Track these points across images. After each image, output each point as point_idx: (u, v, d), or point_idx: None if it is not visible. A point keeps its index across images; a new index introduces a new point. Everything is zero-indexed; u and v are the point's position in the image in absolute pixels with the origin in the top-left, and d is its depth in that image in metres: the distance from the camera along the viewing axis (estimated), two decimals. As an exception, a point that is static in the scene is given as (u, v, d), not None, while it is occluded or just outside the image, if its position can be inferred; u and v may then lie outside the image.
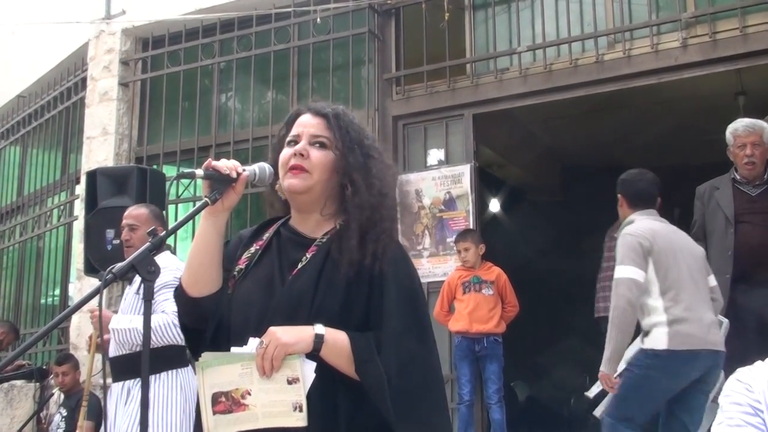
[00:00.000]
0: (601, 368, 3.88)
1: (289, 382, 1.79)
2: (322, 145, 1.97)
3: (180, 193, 6.82)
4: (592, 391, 4.34)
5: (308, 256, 1.92)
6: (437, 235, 6.22)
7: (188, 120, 7.21)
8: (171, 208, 6.69)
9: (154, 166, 6.61)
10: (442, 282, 5.86)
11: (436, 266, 6.18)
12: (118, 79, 7.53)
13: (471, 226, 6.05)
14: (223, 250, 1.95)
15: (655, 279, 3.91)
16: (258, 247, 1.98)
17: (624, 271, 3.91)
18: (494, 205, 9.52)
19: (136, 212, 4.14)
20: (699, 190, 4.87)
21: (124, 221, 4.11)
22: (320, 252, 1.92)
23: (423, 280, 6.06)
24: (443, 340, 6.05)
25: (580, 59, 6.01)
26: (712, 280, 4.10)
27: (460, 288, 5.69)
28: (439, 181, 6.26)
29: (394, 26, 6.71)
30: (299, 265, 1.91)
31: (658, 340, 3.84)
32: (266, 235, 2.01)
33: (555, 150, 8.95)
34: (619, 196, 4.27)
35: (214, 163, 1.86)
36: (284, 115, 2.13)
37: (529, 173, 9.29)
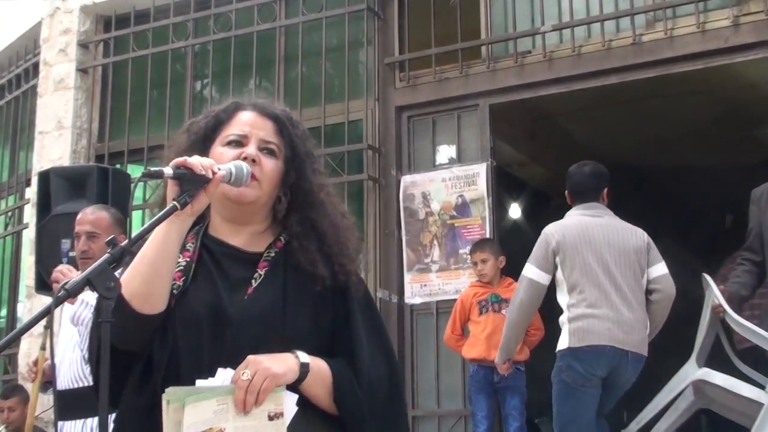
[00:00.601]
0: (495, 359, 4.99)
1: (271, 418, 1.81)
2: (271, 153, 2.05)
3: (147, 196, 6.80)
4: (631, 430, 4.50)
5: (261, 272, 2.00)
6: (448, 246, 6.21)
7: (157, 112, 7.21)
8: (136, 214, 6.68)
9: (118, 166, 6.58)
10: (454, 301, 5.85)
11: (446, 282, 6.18)
12: (76, 65, 7.53)
13: (487, 235, 6.05)
14: None
15: (563, 277, 4.64)
16: (188, 260, 2.02)
17: (526, 270, 4.74)
18: (515, 211, 9.50)
19: (94, 217, 4.04)
20: (755, 194, 4.86)
21: (80, 227, 4.02)
22: (275, 268, 2.01)
23: (431, 299, 6.20)
24: (455, 369, 6.03)
25: (614, 40, 6.01)
26: (656, 270, 4.63)
27: (475, 307, 5.68)
28: (450, 182, 6.26)
29: (397, 2, 6.72)
30: (253, 284, 1.98)
31: (562, 340, 4.61)
32: (189, 246, 2.04)
33: (585, 146, 8.92)
34: (566, 191, 5.00)
35: (189, 160, 1.87)
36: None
37: (556, 173, 9.26)
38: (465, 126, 6.40)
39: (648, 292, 4.71)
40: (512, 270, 5.85)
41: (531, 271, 4.72)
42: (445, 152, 6.48)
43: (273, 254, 2.03)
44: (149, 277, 1.88)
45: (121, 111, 7.40)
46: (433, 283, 6.20)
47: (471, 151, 6.34)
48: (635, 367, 4.60)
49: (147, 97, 7.23)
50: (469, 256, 5.94)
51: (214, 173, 1.89)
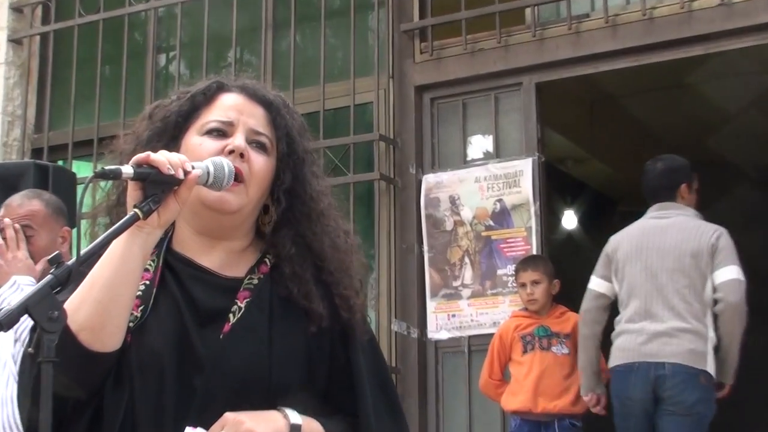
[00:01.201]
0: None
1: None
2: (261, 148, 2.06)
3: (100, 202, 6.79)
4: None
5: (240, 305, 2.00)
6: (483, 265, 6.21)
7: (111, 93, 7.23)
8: (84, 223, 6.67)
9: (60, 162, 6.61)
10: (491, 336, 5.85)
11: (481, 312, 6.17)
12: (8, 33, 7.56)
13: (534, 251, 6.04)
14: None
15: (619, 290, 5.31)
16: (147, 283, 2.01)
17: (590, 281, 5.44)
18: (569, 220, 9.49)
19: (25, 210, 3.85)
20: None
21: (7, 222, 3.78)
22: (259, 300, 2.02)
23: (462, 333, 6.18)
24: (493, 424, 6.02)
25: (696, 1, 5.99)
26: (720, 275, 5.06)
27: (518, 344, 5.68)
28: (486, 183, 6.26)
29: (417, -48, 6.73)
30: (231, 319, 1.99)
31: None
32: (149, 264, 2.03)
33: (659, 136, 8.92)
34: None
35: (154, 156, 1.87)
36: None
37: (622, 171, 9.26)
38: (505, 111, 6.39)
39: (713, 302, 5.13)
40: (566, 298, 5.87)
41: (593, 281, 5.41)
42: (480, 144, 6.49)
43: (256, 281, 2.04)
44: (103, 305, 1.87)
45: (64, 92, 7.42)
46: (464, 313, 6.19)
47: (513, 143, 6.35)
48: (682, 380, 5.03)
49: (97, 74, 7.24)
50: (510, 278, 5.96)
51: (186, 172, 1.88)
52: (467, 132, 6.50)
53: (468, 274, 6.24)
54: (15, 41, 7.60)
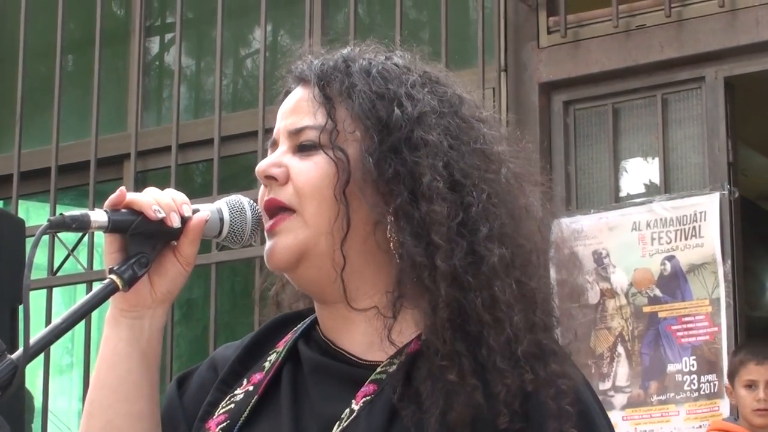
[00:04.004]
0: None
1: None
2: (307, 148, 2.02)
3: (58, 263, 6.83)
4: None
5: (354, 407, 1.98)
6: (645, 358, 6.28)
7: (77, 98, 7.31)
8: (38, 294, 6.72)
9: (0, 203, 6.68)
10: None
11: (643, 430, 6.23)
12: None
13: (724, 335, 6.08)
14: (161, 393, 2.02)
15: None
16: (248, 391, 2.07)
17: None
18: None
19: None
20: None
21: None
22: (380, 399, 1.99)
23: None
24: None
25: None
26: None
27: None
28: (649, 232, 6.29)
29: None
30: (334, 430, 1.98)
31: None
32: (269, 359, 2.10)
33: None
34: None
35: (131, 197, 1.93)
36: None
37: None
38: (677, 121, 6.46)
39: None
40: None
41: None
42: (638, 173, 6.58)
43: (394, 368, 1.99)
44: None
45: (5, 99, 7.55)
46: (618, 430, 6.17)
47: (690, 170, 6.42)
48: None
49: (56, 69, 7.31)
50: (689, 377, 6.01)
51: (185, 219, 1.91)
52: (619, 154, 6.58)
53: (623, 371, 6.31)
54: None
